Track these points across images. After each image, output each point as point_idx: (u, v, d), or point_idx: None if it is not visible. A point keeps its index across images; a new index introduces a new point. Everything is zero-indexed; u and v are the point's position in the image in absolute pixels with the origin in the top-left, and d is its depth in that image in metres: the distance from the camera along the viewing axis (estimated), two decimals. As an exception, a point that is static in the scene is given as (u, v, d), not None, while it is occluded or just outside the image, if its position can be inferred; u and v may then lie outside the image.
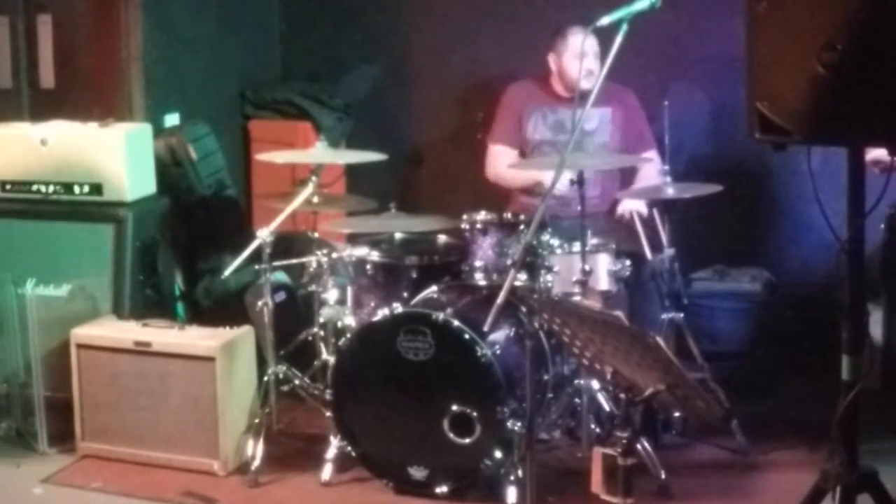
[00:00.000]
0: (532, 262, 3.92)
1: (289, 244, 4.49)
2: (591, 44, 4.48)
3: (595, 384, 3.91)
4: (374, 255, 4.18)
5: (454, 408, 3.74)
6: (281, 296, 4.38)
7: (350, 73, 5.72)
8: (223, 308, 4.79)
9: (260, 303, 4.12)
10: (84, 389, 4.20)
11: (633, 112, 4.76)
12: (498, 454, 3.71)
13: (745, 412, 4.07)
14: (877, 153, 3.27)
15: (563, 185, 4.04)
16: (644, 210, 4.45)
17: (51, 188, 4.57)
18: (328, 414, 3.99)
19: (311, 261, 4.22)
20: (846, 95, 2.45)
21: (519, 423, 3.64)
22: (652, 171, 4.63)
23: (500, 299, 3.19)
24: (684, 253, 4.29)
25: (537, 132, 4.79)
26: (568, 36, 4.64)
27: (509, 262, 3.88)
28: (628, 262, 4.07)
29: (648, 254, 4.22)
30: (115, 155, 4.51)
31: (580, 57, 4.26)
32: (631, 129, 4.74)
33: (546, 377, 3.92)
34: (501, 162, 4.79)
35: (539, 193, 4.43)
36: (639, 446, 3.61)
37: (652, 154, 4.67)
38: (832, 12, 2.43)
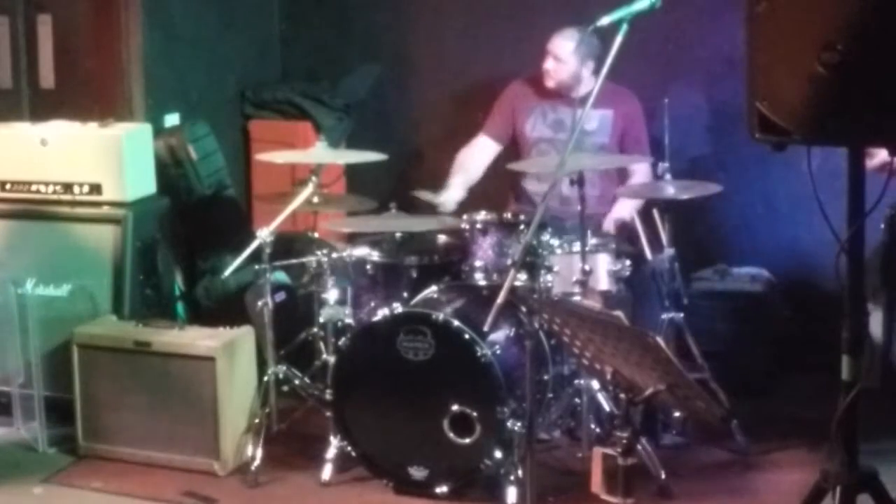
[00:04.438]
0: (532, 262, 3.92)
1: (289, 244, 4.49)
2: (556, 45, 4.67)
3: (595, 384, 3.90)
4: (374, 255, 4.18)
5: (454, 408, 3.74)
6: (281, 296, 4.38)
7: (350, 73, 5.73)
8: (223, 308, 4.79)
9: (260, 303, 4.12)
10: (84, 389, 4.20)
11: (634, 118, 4.77)
12: (498, 454, 3.71)
13: (745, 412, 4.07)
14: (882, 157, 3.26)
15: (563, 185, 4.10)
16: (628, 217, 4.46)
17: (51, 188, 4.57)
18: (328, 414, 3.99)
19: (311, 261, 4.22)
20: (846, 95, 2.44)
21: (519, 423, 3.64)
22: (642, 174, 4.64)
23: (500, 299, 3.19)
24: (684, 253, 4.29)
25: (536, 130, 4.82)
26: (553, 36, 4.71)
27: (509, 262, 3.88)
28: (628, 262, 4.08)
29: (648, 254, 4.22)
30: (115, 155, 4.51)
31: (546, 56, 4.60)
32: (629, 135, 4.76)
33: (546, 377, 3.92)
34: (473, 151, 4.88)
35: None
36: (639, 446, 3.60)
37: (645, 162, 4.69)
38: (832, 12, 2.43)
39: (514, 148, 4.91)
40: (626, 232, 4.43)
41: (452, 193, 4.69)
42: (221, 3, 5.54)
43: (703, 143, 5.05)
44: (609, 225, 4.51)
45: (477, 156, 4.88)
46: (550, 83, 4.74)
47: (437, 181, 4.82)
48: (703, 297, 4.72)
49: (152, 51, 4.99)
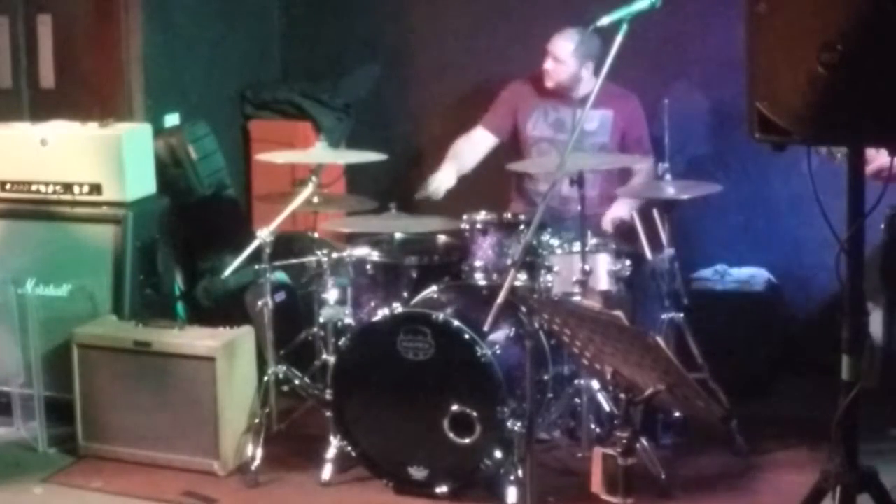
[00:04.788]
0: (532, 262, 3.93)
1: (289, 244, 4.49)
2: (556, 45, 4.69)
3: (595, 384, 3.91)
4: (374, 255, 4.18)
5: (454, 408, 3.74)
6: (281, 296, 4.38)
7: (350, 73, 5.72)
8: (223, 308, 4.79)
9: (260, 303, 4.12)
10: (84, 389, 4.20)
11: (635, 118, 4.77)
12: (498, 454, 3.71)
13: (745, 412, 4.07)
14: (878, 163, 3.26)
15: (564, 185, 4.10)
16: (627, 216, 4.46)
17: (51, 188, 4.57)
18: (328, 414, 3.99)
19: (311, 261, 4.22)
20: (846, 95, 2.44)
21: (519, 423, 3.63)
22: (645, 174, 4.64)
23: (500, 299, 3.19)
24: (684, 253, 4.29)
25: (537, 129, 4.83)
26: (553, 36, 4.72)
27: (509, 262, 3.88)
28: (628, 262, 4.08)
29: (648, 254, 4.22)
30: (115, 155, 4.51)
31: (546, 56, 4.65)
32: (630, 135, 4.76)
33: (546, 377, 3.92)
34: (470, 142, 4.89)
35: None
36: (639, 446, 3.60)
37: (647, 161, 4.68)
38: (832, 12, 2.43)
39: (514, 147, 4.92)
40: (625, 230, 4.43)
41: (443, 178, 4.70)
42: (221, 3, 5.54)
43: (703, 143, 5.04)
44: (607, 224, 4.50)
45: (473, 147, 4.89)
46: (550, 83, 4.74)
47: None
48: (703, 297, 4.72)
49: (152, 51, 4.99)
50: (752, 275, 4.86)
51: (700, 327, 4.24)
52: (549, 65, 4.71)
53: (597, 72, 4.43)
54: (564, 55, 4.65)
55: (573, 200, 4.13)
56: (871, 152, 3.22)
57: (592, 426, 3.96)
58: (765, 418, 4.32)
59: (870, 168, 3.20)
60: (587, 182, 4.12)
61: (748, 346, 4.65)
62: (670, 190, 4.11)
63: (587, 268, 3.93)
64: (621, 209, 4.54)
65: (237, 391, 4.12)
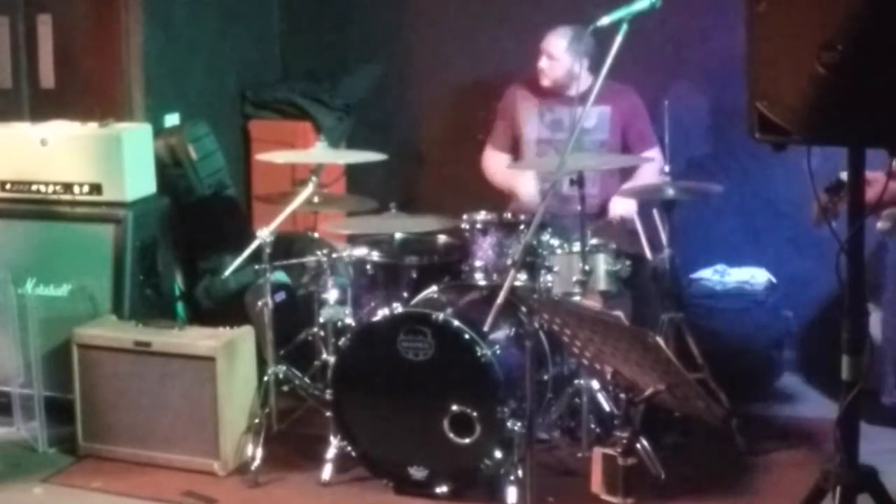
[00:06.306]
0: (532, 262, 3.93)
1: (289, 244, 4.49)
2: (550, 43, 4.71)
3: (595, 384, 3.91)
4: (374, 256, 4.18)
5: (454, 408, 3.74)
6: (281, 296, 4.38)
7: (350, 73, 5.72)
8: (223, 308, 4.79)
9: (260, 303, 4.12)
10: (84, 389, 4.20)
11: (634, 111, 4.77)
12: (498, 454, 3.71)
13: (745, 412, 4.07)
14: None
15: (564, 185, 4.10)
16: (633, 213, 4.46)
17: (51, 188, 4.57)
18: (328, 414, 3.99)
19: (311, 261, 4.22)
20: (846, 95, 2.44)
21: (519, 423, 3.64)
22: (650, 170, 4.64)
23: (500, 299, 3.20)
24: (684, 253, 4.29)
25: (535, 131, 4.82)
26: (547, 34, 4.74)
27: (509, 262, 3.88)
28: (628, 262, 4.08)
29: (648, 254, 4.22)
30: (115, 155, 4.51)
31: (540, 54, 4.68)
32: (631, 128, 4.76)
33: (546, 377, 3.92)
34: (492, 164, 4.93)
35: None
36: (639, 446, 3.60)
37: (653, 153, 4.68)
38: (832, 12, 2.43)
39: (514, 149, 4.92)
40: (625, 229, 4.43)
41: (529, 186, 4.71)
42: (221, 3, 5.54)
43: (703, 143, 5.05)
44: (615, 212, 4.51)
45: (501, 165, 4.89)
46: (546, 81, 4.75)
47: (437, 181, 4.82)
48: (703, 297, 4.72)
49: (152, 51, 4.99)
50: (752, 275, 4.86)
51: (700, 327, 4.24)
52: (543, 63, 4.73)
53: (591, 68, 4.43)
54: (558, 52, 4.67)
55: (573, 200, 4.12)
56: None
57: (592, 426, 3.96)
58: (765, 418, 4.32)
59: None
60: (587, 180, 4.12)
61: (748, 346, 4.64)
62: (670, 190, 4.11)
63: (587, 268, 3.93)
64: (621, 207, 4.53)
65: (237, 391, 4.12)
